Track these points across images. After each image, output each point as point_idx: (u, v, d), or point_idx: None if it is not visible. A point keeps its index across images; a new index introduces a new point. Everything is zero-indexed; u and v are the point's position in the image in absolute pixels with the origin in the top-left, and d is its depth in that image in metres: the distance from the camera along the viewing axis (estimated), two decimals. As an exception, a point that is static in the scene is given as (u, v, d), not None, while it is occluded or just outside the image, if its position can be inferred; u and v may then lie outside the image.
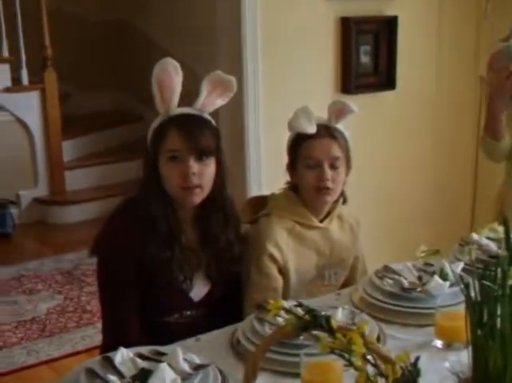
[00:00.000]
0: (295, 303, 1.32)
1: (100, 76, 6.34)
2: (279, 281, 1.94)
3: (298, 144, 1.93)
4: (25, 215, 5.12)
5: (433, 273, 1.76)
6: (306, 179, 1.92)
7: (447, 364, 1.34)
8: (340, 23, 3.13)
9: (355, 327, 1.11)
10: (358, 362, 1.07)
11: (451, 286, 1.68)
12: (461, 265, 1.76)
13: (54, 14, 5.16)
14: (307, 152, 1.90)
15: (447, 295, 1.67)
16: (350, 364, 1.09)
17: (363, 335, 1.08)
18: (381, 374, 1.04)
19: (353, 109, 1.90)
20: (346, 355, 1.08)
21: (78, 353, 3.15)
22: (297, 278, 1.97)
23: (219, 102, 1.80)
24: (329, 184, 1.86)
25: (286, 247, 1.94)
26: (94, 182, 5.50)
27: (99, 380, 1.29)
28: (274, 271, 1.92)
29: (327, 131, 1.90)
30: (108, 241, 1.81)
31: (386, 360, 1.05)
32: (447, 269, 1.73)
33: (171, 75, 1.71)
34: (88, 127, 5.90)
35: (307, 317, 1.13)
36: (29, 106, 5.09)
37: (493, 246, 1.86)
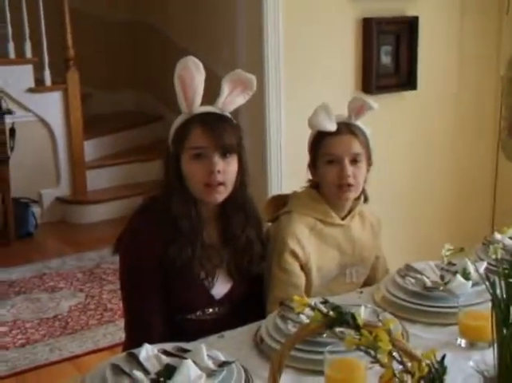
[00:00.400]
0: (320, 300, 1.34)
1: (121, 76, 6.35)
2: (301, 278, 1.92)
3: (319, 142, 1.92)
4: (48, 214, 5.10)
5: (455, 272, 1.74)
6: (328, 176, 1.91)
7: (471, 363, 1.32)
8: (361, 24, 3.12)
9: (380, 324, 1.09)
10: (384, 359, 1.06)
11: (474, 285, 1.67)
12: (484, 264, 1.75)
13: (76, 15, 5.15)
14: (328, 148, 1.89)
15: (469, 295, 1.65)
16: (376, 361, 1.07)
17: (389, 332, 1.06)
18: (407, 371, 1.03)
19: (373, 106, 1.88)
20: (372, 352, 1.06)
21: (100, 350, 3.16)
22: (318, 275, 1.96)
23: (240, 101, 1.79)
24: (351, 180, 1.85)
25: (308, 244, 1.93)
26: (115, 181, 5.46)
27: (124, 376, 1.29)
28: (296, 268, 1.91)
29: (347, 128, 1.89)
30: (130, 240, 1.80)
31: (412, 357, 1.04)
32: (470, 268, 1.72)
33: (193, 73, 1.70)
34: (110, 127, 5.88)
35: (332, 314, 1.12)
36: (51, 106, 5.06)
37: None
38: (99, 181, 5.35)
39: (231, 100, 1.77)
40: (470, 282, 1.69)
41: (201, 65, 1.71)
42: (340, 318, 1.11)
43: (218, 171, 1.68)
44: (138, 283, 1.78)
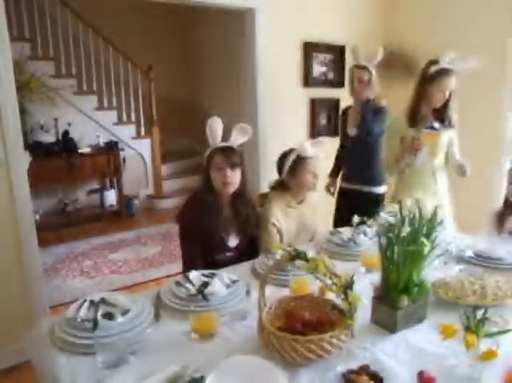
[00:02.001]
0: (288, 246, 1.50)
1: (181, 130, 6.91)
2: (277, 237, 2.16)
3: (299, 162, 2.19)
4: (142, 204, 5.84)
5: (359, 233, 2.06)
6: (304, 181, 2.19)
7: (367, 279, 1.58)
8: (310, 102, 3.69)
9: (319, 259, 1.24)
10: (321, 277, 1.21)
11: (369, 239, 1.99)
12: (375, 227, 2.06)
13: (157, 96, 5.70)
14: (305, 166, 2.18)
15: (367, 245, 1.98)
16: (317, 278, 1.23)
17: (324, 262, 1.23)
18: (334, 283, 1.20)
19: (323, 141, 2.27)
20: (315, 273, 1.22)
21: (169, 275, 3.53)
22: (286, 235, 2.20)
23: (242, 140, 2.04)
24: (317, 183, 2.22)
25: (280, 218, 2.18)
26: (178, 186, 6.16)
27: (181, 286, 1.56)
28: (274, 231, 2.16)
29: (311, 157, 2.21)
30: (182, 215, 2.04)
31: (336, 275, 1.21)
32: (367, 230, 2.08)
33: (216, 125, 1.98)
34: (174, 157, 6.55)
35: (294, 253, 1.27)
36: (144, 146, 5.87)
37: (391, 218, 1.95)
38: (169, 186, 6.06)
39: (237, 139, 2.03)
40: (367, 238, 2.02)
41: (220, 121, 1.99)
42: (298, 255, 1.27)
43: (229, 177, 1.96)
44: (188, 239, 2.01)
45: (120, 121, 5.71)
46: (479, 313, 1.15)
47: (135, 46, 5.85)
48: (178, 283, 1.59)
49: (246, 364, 1.05)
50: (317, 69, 3.65)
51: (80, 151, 5.00)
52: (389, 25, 4.01)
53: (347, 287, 1.17)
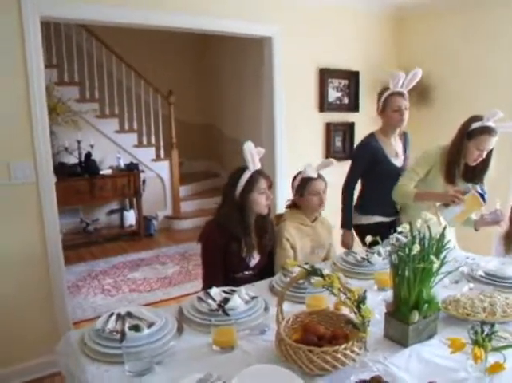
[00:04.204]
0: (305, 263, 1.54)
1: (198, 152, 7.15)
2: (291, 253, 2.24)
3: (306, 183, 2.27)
4: (160, 224, 5.93)
5: (373, 253, 2.11)
6: (312, 201, 2.27)
7: (380, 296, 1.65)
8: (325, 125, 3.79)
9: (334, 274, 1.32)
10: (336, 292, 1.28)
11: (383, 259, 2.05)
12: (388, 248, 1.77)
13: (176, 120, 5.87)
14: (312, 187, 2.26)
15: (380, 264, 2.03)
16: (332, 293, 1.30)
17: (339, 278, 1.31)
18: (348, 298, 1.27)
19: (332, 162, 2.32)
20: (330, 289, 1.29)
21: (188, 294, 3.57)
22: (300, 252, 2.27)
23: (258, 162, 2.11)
24: (323, 204, 2.27)
25: (294, 235, 2.26)
26: (196, 207, 6.27)
27: (202, 301, 1.65)
28: (288, 247, 2.23)
29: (320, 177, 2.30)
30: (206, 235, 2.09)
31: (350, 290, 1.28)
32: (381, 251, 2.12)
33: (254, 149, 2.08)
34: (192, 179, 6.69)
35: (310, 269, 1.35)
36: (163, 168, 5.99)
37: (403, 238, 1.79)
38: (187, 207, 6.20)
39: (259, 162, 2.11)
40: (381, 258, 2.07)
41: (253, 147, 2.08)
42: (314, 272, 1.34)
43: (271, 199, 2.11)
44: (210, 258, 2.08)
45: (140, 144, 5.88)
46: (487, 328, 1.21)
47: (156, 72, 6.07)
48: (199, 299, 1.67)
49: (265, 372, 1.12)
50: (332, 94, 3.75)
51: (101, 172, 5.18)
52: (401, 52, 4.14)
53: (360, 302, 1.25)
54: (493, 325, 1.22)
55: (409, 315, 1.40)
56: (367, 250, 2.14)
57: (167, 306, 2.27)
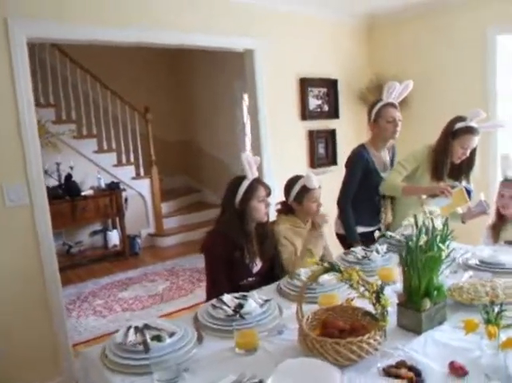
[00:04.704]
0: (319, 261, 1.55)
1: (177, 169, 7.19)
2: (292, 248, 2.33)
3: (305, 191, 2.34)
4: (144, 242, 5.92)
5: (372, 251, 2.20)
6: (311, 208, 2.36)
7: (387, 291, 1.53)
8: (308, 133, 3.93)
9: (353, 269, 1.40)
10: (355, 285, 1.36)
11: (382, 256, 2.15)
12: (385, 245, 2.23)
13: (154, 137, 5.91)
14: (311, 195, 2.34)
15: (380, 261, 2.13)
16: (351, 286, 1.37)
17: (357, 272, 1.38)
18: (367, 290, 1.34)
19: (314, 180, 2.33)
20: (348, 282, 1.37)
21: (180, 310, 3.75)
22: (298, 251, 2.36)
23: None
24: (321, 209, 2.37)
25: (290, 236, 2.36)
26: (178, 223, 6.32)
27: (218, 309, 1.69)
28: (288, 243, 2.34)
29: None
30: (209, 245, 2.13)
31: (368, 282, 1.36)
32: (379, 248, 2.20)
33: (251, 159, 2.16)
34: (173, 195, 6.72)
35: (327, 265, 1.45)
36: (144, 186, 6.01)
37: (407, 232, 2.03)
38: (169, 224, 6.20)
39: (255, 170, 2.18)
40: (380, 255, 2.16)
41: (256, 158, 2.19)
42: (332, 267, 1.43)
43: (269, 207, 2.20)
44: (215, 268, 2.10)
45: (119, 163, 5.89)
46: (497, 308, 1.30)
47: (132, 89, 6.09)
48: (214, 306, 1.71)
49: (300, 365, 1.18)
50: (313, 102, 3.89)
51: (83, 193, 5.13)
52: (374, 58, 4.34)
53: (378, 292, 1.31)
54: (501, 304, 1.31)
55: (421, 303, 1.47)
56: (365, 249, 2.23)
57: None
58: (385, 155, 2.79)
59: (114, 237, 5.56)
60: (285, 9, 3.63)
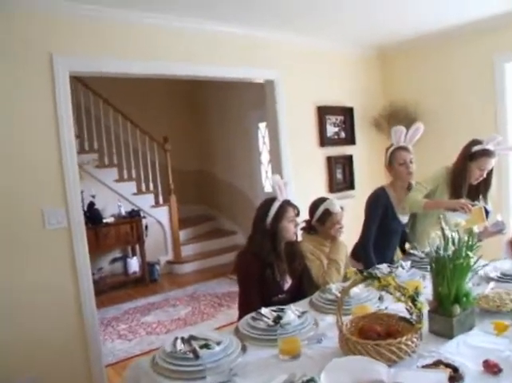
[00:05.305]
0: (356, 270, 1.65)
1: (194, 197, 7.35)
2: (318, 262, 2.47)
3: (328, 214, 2.50)
4: (163, 269, 6.04)
5: (397, 267, 2.34)
6: (333, 229, 2.51)
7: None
8: (326, 159, 4.09)
9: (390, 276, 1.54)
10: (392, 290, 1.49)
11: (407, 271, 2.29)
12: (409, 262, 2.38)
13: (173, 168, 6.14)
14: (334, 218, 2.49)
15: (405, 276, 2.26)
16: (389, 292, 1.51)
17: (393, 279, 1.53)
18: (403, 294, 1.47)
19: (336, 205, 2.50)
20: (386, 288, 1.50)
21: None
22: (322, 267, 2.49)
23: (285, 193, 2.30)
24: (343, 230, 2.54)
25: (315, 252, 2.50)
26: (195, 251, 6.44)
27: (258, 320, 1.82)
28: (315, 258, 2.48)
29: (341, 207, 2.54)
30: (242, 266, 2.22)
31: (404, 288, 1.49)
32: (403, 265, 2.34)
33: (282, 183, 2.29)
34: (190, 223, 6.85)
35: (366, 275, 1.55)
36: (163, 214, 6.15)
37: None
38: (186, 251, 6.32)
39: (285, 193, 2.29)
40: (405, 270, 2.31)
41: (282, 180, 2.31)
42: (371, 276, 1.54)
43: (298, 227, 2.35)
44: (248, 287, 2.19)
45: (139, 191, 6.06)
46: (524, 310, 1.43)
47: (151, 120, 6.33)
48: (254, 318, 1.83)
49: (347, 362, 1.30)
50: (331, 130, 4.07)
51: (104, 221, 5.28)
52: (388, 87, 4.55)
53: (414, 297, 1.44)
54: (528, 307, 1.43)
55: (451, 308, 1.59)
56: (390, 266, 2.35)
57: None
58: (404, 197, 2.86)
59: (134, 264, 5.67)
60: (302, 43, 3.88)
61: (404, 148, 2.74)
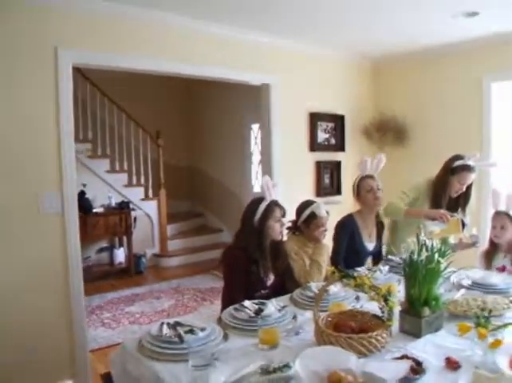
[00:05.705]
0: (335, 269, 1.73)
1: (183, 193, 7.45)
2: (301, 261, 2.57)
3: (313, 217, 2.59)
4: (149, 261, 6.10)
5: (375, 270, 2.43)
6: (317, 231, 2.61)
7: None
8: (315, 164, 4.19)
9: (364, 276, 1.64)
10: (367, 289, 1.59)
11: (385, 275, 2.40)
12: (387, 267, 2.51)
13: (164, 163, 6.25)
14: (319, 221, 2.58)
15: (382, 279, 2.36)
16: (364, 291, 1.61)
17: (368, 279, 1.65)
18: (377, 294, 1.57)
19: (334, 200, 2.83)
20: (361, 287, 1.61)
21: None
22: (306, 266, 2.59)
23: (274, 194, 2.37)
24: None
25: (299, 253, 2.61)
26: (181, 246, 6.52)
27: (240, 311, 1.91)
28: (298, 258, 2.58)
29: (327, 212, 2.60)
30: (227, 259, 2.31)
31: (377, 287, 1.60)
32: (381, 268, 2.45)
33: (270, 184, 2.36)
34: (178, 218, 6.94)
35: (343, 273, 1.67)
36: (152, 208, 6.24)
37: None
38: (173, 245, 6.39)
39: (274, 193, 2.37)
40: (383, 274, 2.40)
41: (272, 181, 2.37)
42: (347, 275, 1.62)
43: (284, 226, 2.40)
44: (234, 279, 2.26)
45: (130, 183, 6.16)
46: (486, 313, 1.55)
47: (145, 114, 6.41)
48: (236, 309, 1.92)
49: (321, 350, 1.42)
50: (321, 136, 4.19)
51: (94, 210, 5.35)
52: (379, 97, 4.68)
53: (386, 296, 1.56)
54: (490, 310, 1.56)
55: (421, 310, 1.70)
56: (369, 269, 2.46)
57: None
58: (372, 226, 2.97)
59: (120, 255, 5.74)
60: (300, 51, 4.00)
61: (370, 177, 2.84)
